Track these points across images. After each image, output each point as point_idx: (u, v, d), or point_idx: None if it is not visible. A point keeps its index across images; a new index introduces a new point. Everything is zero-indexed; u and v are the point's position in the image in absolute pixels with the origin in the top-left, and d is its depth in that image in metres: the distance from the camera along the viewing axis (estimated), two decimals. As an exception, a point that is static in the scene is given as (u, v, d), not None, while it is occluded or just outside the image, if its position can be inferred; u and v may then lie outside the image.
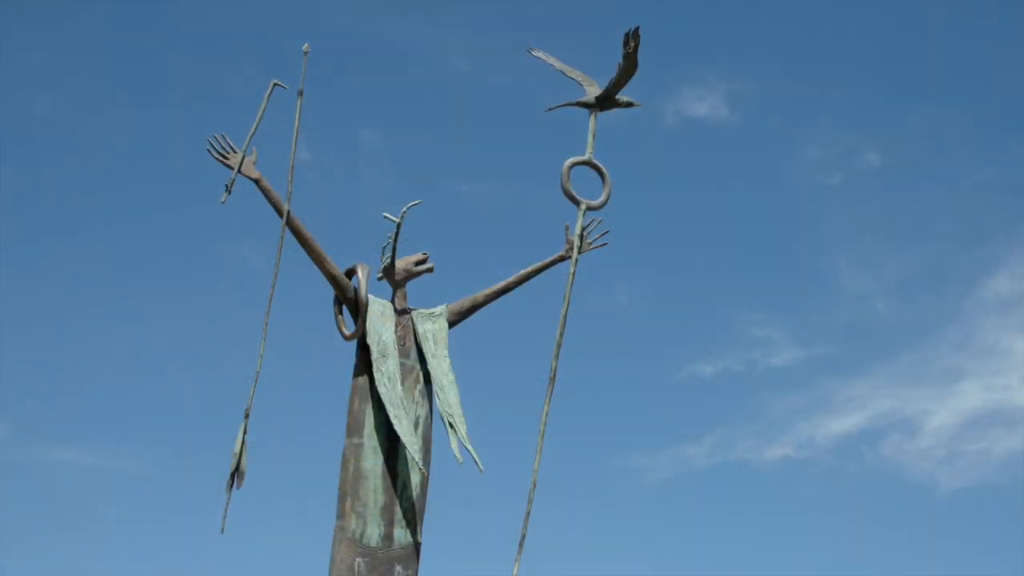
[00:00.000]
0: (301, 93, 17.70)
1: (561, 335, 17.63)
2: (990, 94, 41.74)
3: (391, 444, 17.31)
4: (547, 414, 17.28)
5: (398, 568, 16.96)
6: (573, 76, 19.07)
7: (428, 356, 17.82)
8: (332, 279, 17.75)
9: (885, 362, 40.59)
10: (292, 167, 17.51)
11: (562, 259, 18.61)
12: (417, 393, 17.65)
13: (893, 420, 40.24)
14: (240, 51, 40.35)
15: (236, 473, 16.76)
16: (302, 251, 17.59)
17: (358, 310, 17.73)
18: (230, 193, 17.34)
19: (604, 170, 18.41)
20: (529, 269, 18.65)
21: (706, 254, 41.17)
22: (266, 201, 17.51)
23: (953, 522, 37.90)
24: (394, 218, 17.69)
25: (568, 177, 18.24)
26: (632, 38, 17.65)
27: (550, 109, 18.82)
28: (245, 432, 16.82)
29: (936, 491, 38.35)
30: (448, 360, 17.93)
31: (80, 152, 39.31)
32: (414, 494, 17.31)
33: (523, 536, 16.83)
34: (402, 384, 17.55)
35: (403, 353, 17.77)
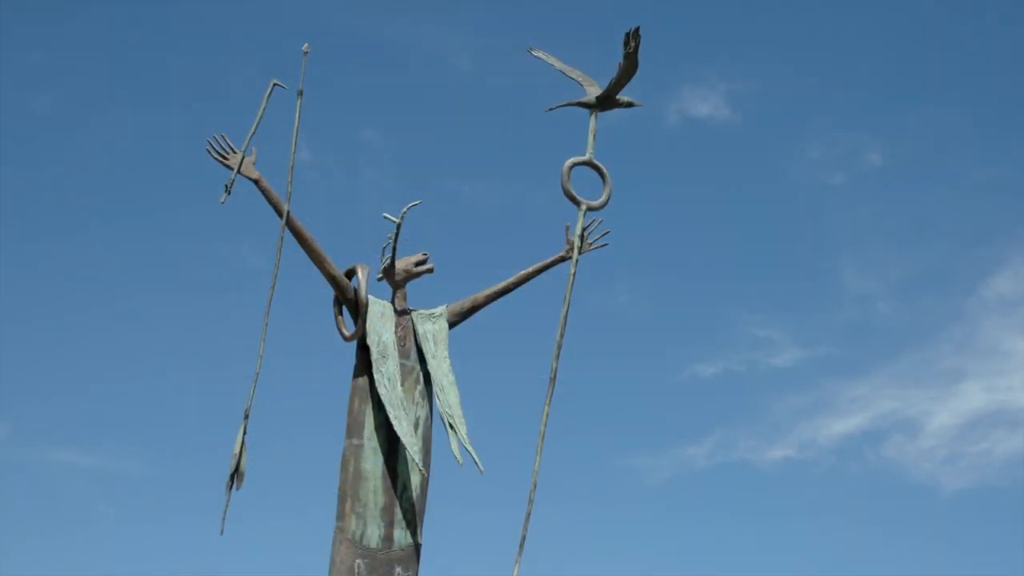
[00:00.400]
0: (301, 93, 17.70)
1: (562, 336, 17.60)
2: (992, 94, 41.71)
3: (391, 445, 17.28)
4: (547, 415, 17.26)
5: (398, 569, 16.94)
6: (573, 76, 19.04)
7: (428, 357, 17.80)
8: (332, 280, 17.73)
9: (887, 363, 40.55)
10: (292, 167, 17.51)
11: (562, 259, 18.59)
12: (417, 394, 17.63)
13: (895, 421, 40.20)
14: (240, 51, 40.33)
15: (236, 474, 16.75)
16: (302, 251, 17.59)
17: (358, 311, 17.71)
18: (230, 193, 17.34)
19: (605, 170, 18.39)
20: (529, 269, 18.62)
21: (707, 254, 41.14)
22: (266, 201, 17.50)
23: (955, 523, 37.87)
24: (394, 218, 17.67)
25: (568, 177, 18.22)
26: (632, 38, 17.63)
27: (550, 109, 18.80)
28: (245, 433, 16.81)
29: (938, 492, 38.32)
30: (448, 361, 17.91)
31: (80, 152, 39.29)
32: (414, 495, 17.29)
33: (523, 537, 16.81)
34: (402, 385, 17.53)
35: (403, 354, 17.75)
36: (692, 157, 42.01)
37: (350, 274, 17.94)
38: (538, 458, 17.10)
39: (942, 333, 40.52)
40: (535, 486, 16.99)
